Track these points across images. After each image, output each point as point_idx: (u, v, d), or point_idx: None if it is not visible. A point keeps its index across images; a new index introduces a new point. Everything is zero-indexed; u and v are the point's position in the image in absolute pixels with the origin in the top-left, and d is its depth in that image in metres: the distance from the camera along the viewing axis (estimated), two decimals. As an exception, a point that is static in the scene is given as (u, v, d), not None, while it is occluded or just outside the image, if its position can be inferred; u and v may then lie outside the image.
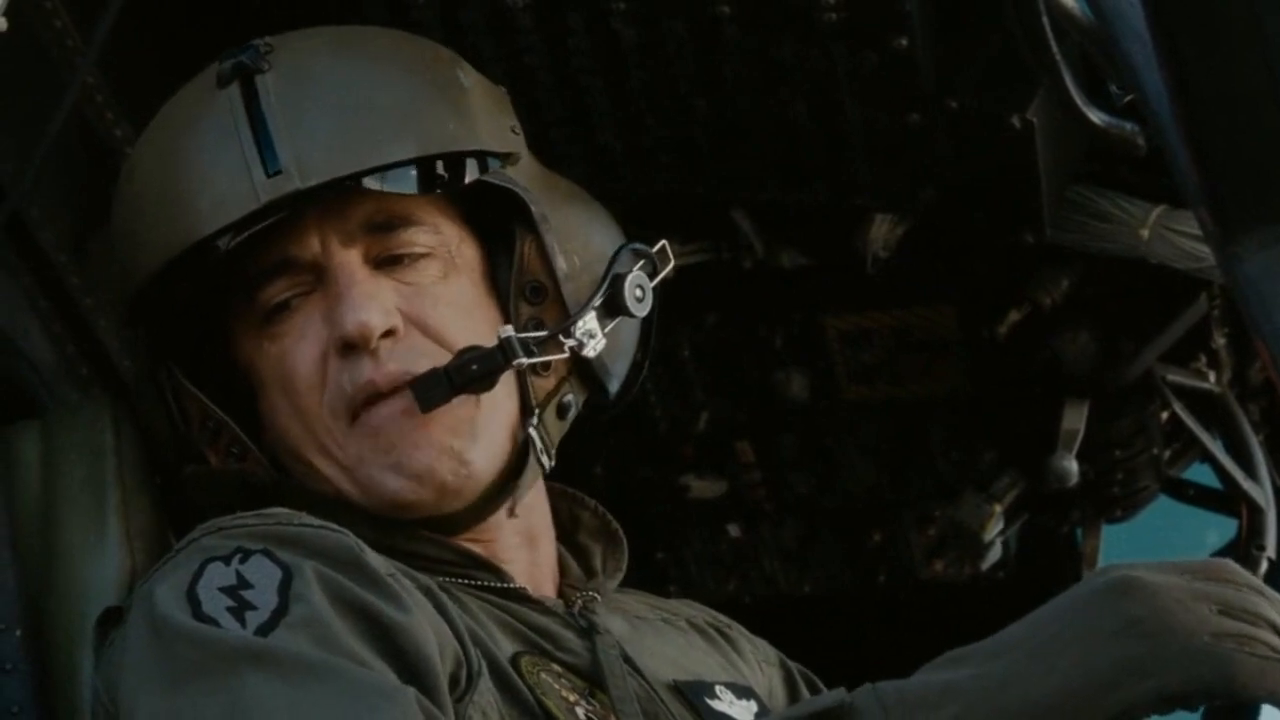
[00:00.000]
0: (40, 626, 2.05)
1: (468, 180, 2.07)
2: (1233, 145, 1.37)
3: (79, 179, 2.75)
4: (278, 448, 2.08)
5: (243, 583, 1.78)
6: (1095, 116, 1.98)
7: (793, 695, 2.24)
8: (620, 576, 2.17)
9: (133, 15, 2.52)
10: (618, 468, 3.50)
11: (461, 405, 2.01)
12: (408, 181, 2.03)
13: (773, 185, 2.94)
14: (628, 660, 2.01)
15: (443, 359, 2.01)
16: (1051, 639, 1.69)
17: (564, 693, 1.92)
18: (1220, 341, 3.29)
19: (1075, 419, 3.28)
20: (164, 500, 2.16)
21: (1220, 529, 3.50)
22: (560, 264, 2.12)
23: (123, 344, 2.78)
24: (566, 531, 2.17)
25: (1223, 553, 3.46)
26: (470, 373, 2.00)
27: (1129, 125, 2.06)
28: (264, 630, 1.74)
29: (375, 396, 2.01)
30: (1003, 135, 2.71)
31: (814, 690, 2.26)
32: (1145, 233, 3.00)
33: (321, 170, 1.99)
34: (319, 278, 2.03)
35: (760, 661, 2.25)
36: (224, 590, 1.78)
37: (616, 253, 2.15)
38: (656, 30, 2.74)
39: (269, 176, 1.99)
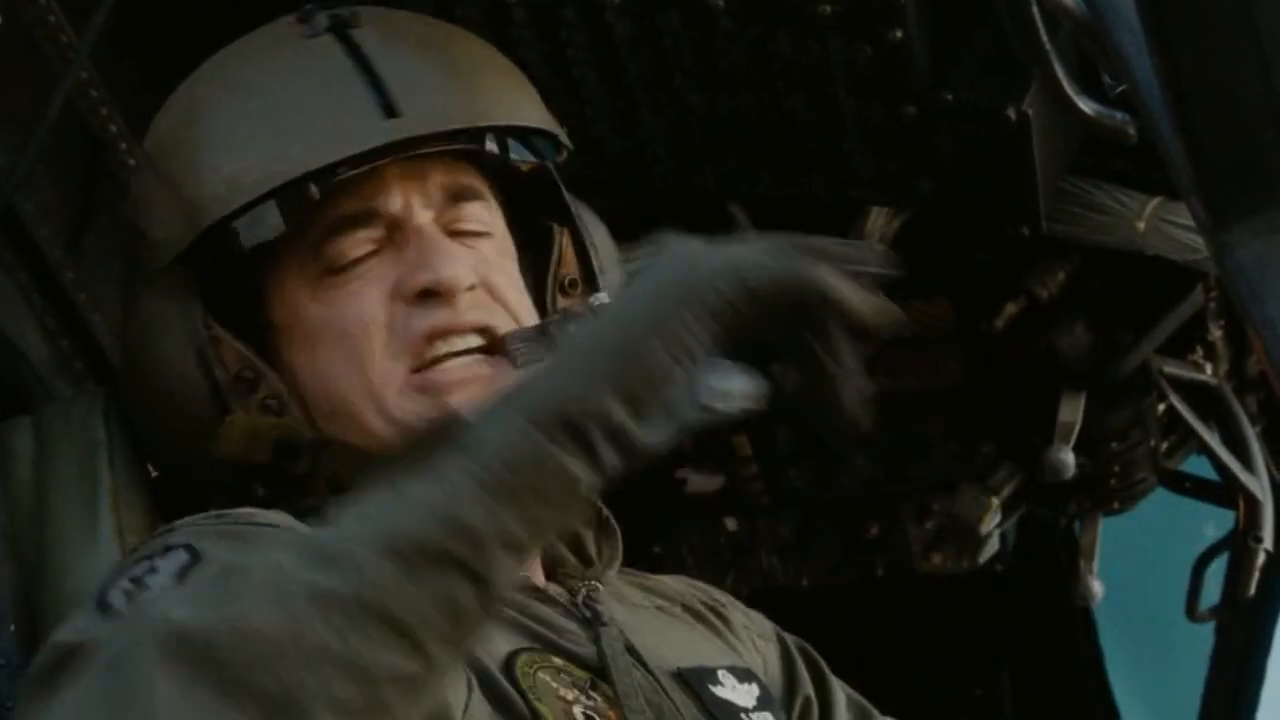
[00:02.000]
0: (33, 622, 2.05)
1: (559, 158, 2.13)
2: (1224, 135, 1.37)
3: (73, 174, 2.75)
4: (316, 404, 2.04)
5: (151, 570, 1.77)
6: (1086, 107, 1.98)
7: (789, 670, 2.22)
8: (617, 565, 2.15)
9: (126, 11, 2.52)
10: (614, 462, 3.50)
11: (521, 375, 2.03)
12: (520, 149, 2.08)
13: (769, 178, 2.94)
14: (632, 650, 2.00)
15: (511, 325, 2.03)
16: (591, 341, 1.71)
17: (561, 691, 1.90)
18: (1216, 333, 3.29)
19: (1072, 411, 3.29)
20: (156, 493, 2.16)
21: (1218, 521, 3.50)
22: (595, 260, 2.16)
23: (117, 339, 2.78)
24: None
25: (1220, 545, 3.46)
26: (564, 332, 2.02)
27: (1120, 115, 2.06)
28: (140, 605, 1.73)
29: (442, 355, 2.00)
30: (998, 128, 2.71)
31: (811, 664, 2.25)
32: (1141, 225, 3.01)
33: (440, 119, 2.01)
34: (392, 235, 2.03)
35: (755, 636, 2.23)
36: (133, 579, 1.77)
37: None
38: (651, 24, 2.74)
39: (387, 119, 2.01)
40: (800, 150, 2.88)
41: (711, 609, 2.22)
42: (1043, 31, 1.96)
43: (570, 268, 2.15)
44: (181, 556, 1.78)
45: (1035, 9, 1.95)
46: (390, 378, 2.00)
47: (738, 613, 2.24)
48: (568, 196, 2.18)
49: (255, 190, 2.00)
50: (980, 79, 2.72)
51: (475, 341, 2.01)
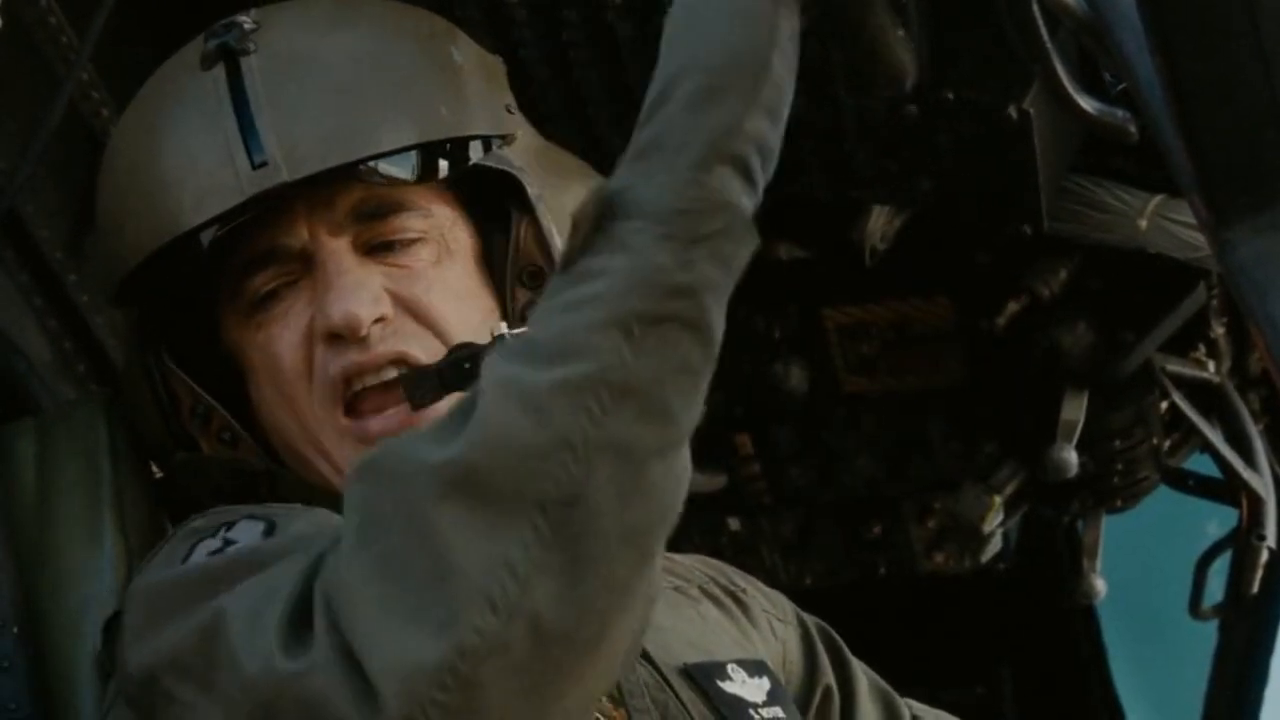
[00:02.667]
0: (35, 623, 2.05)
1: (464, 167, 2.04)
2: (1225, 132, 1.37)
3: (75, 176, 2.75)
4: (270, 436, 2.05)
5: (228, 542, 1.79)
6: (1087, 105, 1.98)
7: (809, 657, 2.21)
8: None
9: (127, 11, 2.52)
10: (616, 461, 3.50)
11: (453, 403, 1.99)
12: (400, 169, 2.00)
13: (769, 177, 2.93)
14: None
15: (435, 345, 1.99)
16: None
17: None
18: (1219, 331, 3.29)
19: (1074, 410, 3.28)
20: (159, 496, 2.16)
21: (1221, 519, 3.50)
22: (558, 246, 2.07)
23: (119, 341, 2.78)
24: None
25: (1223, 543, 3.46)
26: (463, 371, 1.96)
27: (1121, 113, 2.06)
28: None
29: (363, 390, 1.98)
30: (999, 127, 2.71)
31: (832, 648, 2.24)
32: (1143, 223, 3.00)
33: (309, 161, 1.95)
34: (307, 266, 2.00)
35: (774, 621, 2.21)
36: (211, 553, 1.79)
37: None
38: (652, 24, 2.74)
39: (254, 169, 1.95)
40: (801, 149, 2.88)
41: (730, 594, 2.20)
42: (1043, 30, 1.96)
43: (531, 257, 2.07)
44: (253, 524, 1.79)
45: (1036, 8, 1.94)
46: (325, 424, 1.99)
47: (758, 596, 2.22)
48: (526, 182, 2.08)
49: (143, 249, 2.00)
50: (981, 78, 2.72)
51: (392, 373, 1.98)
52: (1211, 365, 3.35)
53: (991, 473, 3.47)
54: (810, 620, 2.26)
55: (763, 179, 1.65)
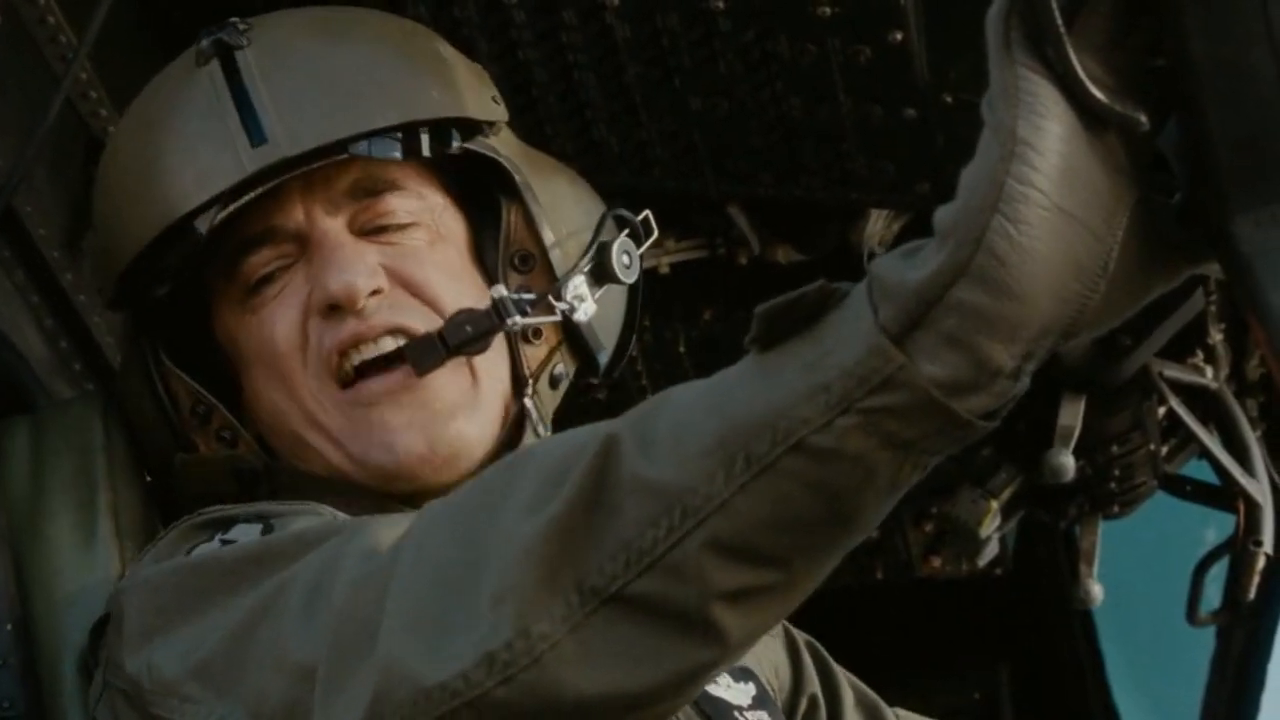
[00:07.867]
0: (29, 621, 2.05)
1: (453, 148, 2.07)
2: (1232, 123, 1.36)
3: (72, 175, 2.75)
4: (265, 428, 2.07)
5: (226, 545, 1.79)
6: (1101, 95, 1.97)
7: (795, 666, 2.23)
8: None
9: (124, 11, 2.52)
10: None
11: (456, 375, 2.01)
12: (393, 148, 2.02)
13: (768, 180, 2.94)
14: None
15: (431, 319, 2.02)
16: None
17: None
18: (1217, 337, 3.28)
19: (1072, 415, 3.27)
20: (153, 496, 2.15)
21: (1218, 525, 3.50)
22: (547, 232, 2.12)
23: (116, 340, 2.78)
24: None
25: (1221, 549, 3.46)
26: (464, 334, 1.99)
27: (1129, 106, 2.05)
28: None
29: (361, 364, 2.00)
30: (998, 129, 2.70)
31: (818, 660, 2.24)
32: (1141, 227, 2.99)
33: (307, 137, 1.99)
34: (302, 248, 2.03)
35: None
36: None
37: (601, 219, 2.16)
38: (651, 25, 2.74)
39: (254, 147, 1.99)
40: (799, 152, 2.87)
41: None
42: (1059, 19, 1.95)
43: (522, 242, 2.12)
44: (251, 527, 1.81)
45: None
46: (319, 396, 2.01)
47: None
48: (514, 169, 2.13)
49: (144, 237, 2.02)
50: (980, 80, 2.71)
51: (389, 345, 2.01)
52: (1209, 371, 3.34)
53: (988, 477, 3.46)
54: (798, 634, 2.27)
55: (1005, 375, 1.47)
